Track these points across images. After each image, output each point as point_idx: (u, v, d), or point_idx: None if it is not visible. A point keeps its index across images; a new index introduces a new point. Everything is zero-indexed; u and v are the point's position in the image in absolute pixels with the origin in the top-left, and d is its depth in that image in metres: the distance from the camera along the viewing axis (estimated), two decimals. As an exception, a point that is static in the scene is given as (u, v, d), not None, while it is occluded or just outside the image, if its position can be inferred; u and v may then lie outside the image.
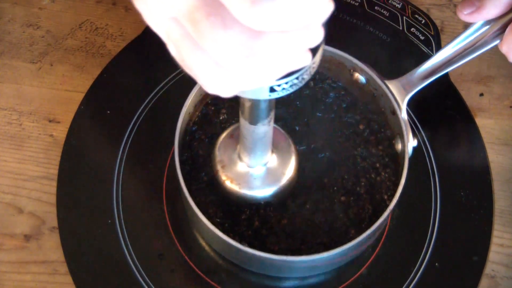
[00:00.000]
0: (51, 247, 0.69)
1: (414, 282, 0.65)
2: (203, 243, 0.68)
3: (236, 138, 0.60)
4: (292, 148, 0.61)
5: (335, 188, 0.63)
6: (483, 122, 0.74)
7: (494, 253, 0.67)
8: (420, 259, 0.66)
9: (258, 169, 0.59)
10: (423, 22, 0.80)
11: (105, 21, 0.85)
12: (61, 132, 0.76)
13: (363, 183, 0.63)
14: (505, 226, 0.69)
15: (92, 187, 0.71)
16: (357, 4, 0.82)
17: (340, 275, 0.66)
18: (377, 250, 0.66)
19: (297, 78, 0.40)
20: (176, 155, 0.60)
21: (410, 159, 0.60)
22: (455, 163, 0.71)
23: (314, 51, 0.38)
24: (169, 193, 0.70)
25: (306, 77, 0.41)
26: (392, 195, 0.58)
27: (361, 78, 0.65)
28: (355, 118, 0.66)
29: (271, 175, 0.60)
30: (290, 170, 0.60)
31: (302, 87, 0.65)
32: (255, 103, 0.48)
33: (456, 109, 0.73)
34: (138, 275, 0.66)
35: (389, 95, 0.62)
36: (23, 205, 0.72)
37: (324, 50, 0.62)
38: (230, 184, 0.60)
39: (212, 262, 0.67)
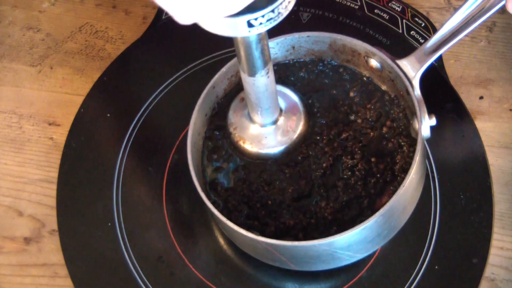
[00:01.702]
0: (51, 250, 0.69)
1: (414, 284, 0.65)
2: (203, 246, 0.68)
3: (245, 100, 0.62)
4: (301, 107, 0.63)
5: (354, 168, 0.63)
6: (482, 125, 0.74)
7: (494, 256, 0.67)
8: (420, 261, 0.66)
9: (268, 128, 0.61)
10: (423, 25, 0.81)
11: (105, 24, 0.85)
12: (61, 135, 0.76)
13: (382, 164, 0.62)
14: (505, 229, 0.69)
15: (92, 190, 0.71)
16: (357, 7, 0.82)
17: (340, 278, 0.66)
18: (377, 253, 0.66)
19: (272, 11, 0.41)
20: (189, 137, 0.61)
21: (428, 139, 0.59)
22: (455, 166, 0.71)
23: None
24: (169, 196, 0.70)
25: (283, 11, 0.42)
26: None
27: (376, 63, 0.64)
28: (376, 104, 0.65)
29: (281, 132, 0.61)
30: (300, 126, 0.62)
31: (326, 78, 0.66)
32: (247, 47, 0.49)
33: (455, 112, 0.73)
34: (138, 278, 0.66)
35: (401, 74, 0.61)
36: (23, 208, 0.72)
37: (334, 38, 0.63)
38: (243, 145, 0.62)
39: (211, 265, 0.67)
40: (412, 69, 0.61)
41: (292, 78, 0.67)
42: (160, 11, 0.83)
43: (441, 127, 0.71)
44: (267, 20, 0.42)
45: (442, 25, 0.61)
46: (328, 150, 0.63)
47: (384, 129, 0.63)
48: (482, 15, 0.60)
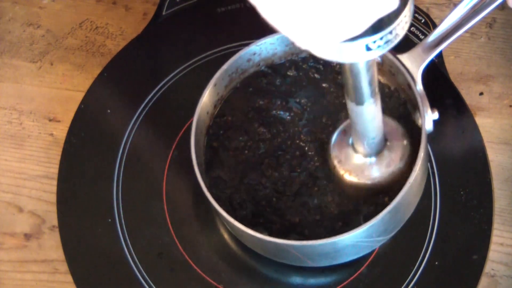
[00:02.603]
0: (51, 246, 0.69)
1: (414, 281, 0.65)
2: (203, 242, 0.68)
3: (348, 133, 0.61)
4: (405, 138, 0.61)
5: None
6: (482, 121, 0.74)
7: (494, 252, 0.67)
8: (420, 258, 0.66)
9: (372, 159, 0.60)
10: (423, 21, 0.80)
11: (105, 20, 0.85)
12: (61, 131, 0.76)
13: None
14: (505, 225, 0.69)
15: (92, 186, 0.71)
16: (357, 3, 0.82)
17: (340, 274, 0.66)
18: (376, 249, 0.66)
19: (390, 32, 0.40)
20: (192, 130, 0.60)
21: (431, 133, 0.59)
22: (454, 162, 0.71)
23: (403, 0, 0.39)
24: (169, 192, 0.70)
25: (400, 32, 0.41)
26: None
27: (376, 58, 0.64)
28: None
29: (385, 163, 0.60)
30: (403, 157, 0.61)
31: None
32: (356, 75, 0.47)
33: (455, 108, 0.73)
34: (138, 274, 0.66)
35: (402, 69, 0.61)
36: (23, 204, 0.72)
37: None
38: (349, 176, 0.61)
39: (211, 261, 0.67)
40: (414, 63, 0.61)
41: (290, 74, 0.67)
42: (160, 7, 0.82)
43: (441, 124, 0.71)
44: (385, 43, 0.40)
45: (443, 19, 0.61)
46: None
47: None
48: (483, 10, 0.60)
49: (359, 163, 0.61)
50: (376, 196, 0.61)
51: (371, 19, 0.36)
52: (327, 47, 0.40)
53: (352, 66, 0.47)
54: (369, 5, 0.34)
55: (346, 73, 0.48)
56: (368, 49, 0.40)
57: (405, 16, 0.40)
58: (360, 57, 0.41)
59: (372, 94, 0.50)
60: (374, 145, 0.58)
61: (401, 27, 0.40)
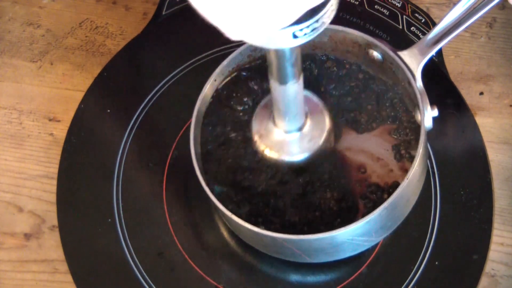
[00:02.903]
0: (51, 246, 0.69)
1: (414, 280, 0.65)
2: (203, 242, 0.68)
3: (270, 107, 0.60)
4: (325, 111, 0.62)
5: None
6: (483, 121, 0.74)
7: (494, 252, 0.67)
8: (420, 257, 0.66)
9: (293, 135, 0.60)
10: (423, 21, 0.80)
11: (105, 20, 0.85)
12: (61, 131, 0.76)
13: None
14: (505, 224, 0.69)
15: (92, 185, 0.71)
16: (357, 2, 0.82)
17: (340, 274, 0.66)
18: (377, 249, 0.66)
19: (317, 21, 0.41)
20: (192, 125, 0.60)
21: (431, 130, 0.59)
22: (455, 162, 0.71)
23: None
24: (169, 192, 0.70)
25: (326, 20, 0.42)
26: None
27: (377, 55, 0.64)
28: (380, 97, 0.65)
29: (307, 139, 0.60)
30: (325, 133, 0.61)
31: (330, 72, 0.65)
32: (281, 57, 0.48)
33: (456, 107, 0.73)
34: (138, 274, 0.66)
35: (402, 65, 0.61)
36: (23, 204, 0.72)
37: (333, 30, 0.63)
38: (269, 152, 0.61)
39: (211, 261, 0.67)
40: (414, 60, 0.61)
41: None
42: (160, 7, 0.82)
43: (442, 123, 0.71)
44: (311, 30, 0.42)
45: (443, 17, 0.61)
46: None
47: (385, 118, 0.64)
48: (483, 8, 0.60)
49: (279, 139, 0.61)
50: (375, 193, 0.61)
51: (301, 10, 0.37)
52: (257, 35, 0.42)
53: (277, 50, 0.48)
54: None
55: (271, 55, 0.49)
56: (295, 36, 0.41)
57: (331, 5, 0.41)
58: (287, 44, 0.42)
59: (296, 75, 0.51)
60: (295, 121, 0.59)
61: (327, 15, 0.42)
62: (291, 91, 0.53)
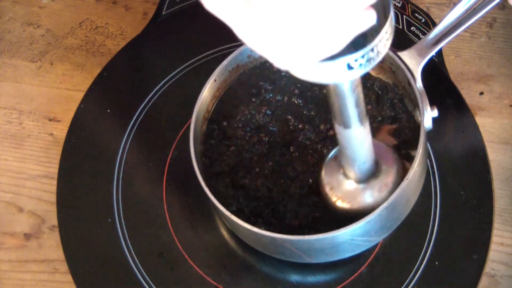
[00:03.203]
0: (51, 246, 0.69)
1: (414, 280, 0.65)
2: (203, 242, 0.68)
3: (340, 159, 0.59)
4: (397, 161, 0.60)
5: None
6: (483, 121, 0.74)
7: (494, 252, 0.67)
8: (420, 257, 0.66)
9: (364, 185, 0.58)
10: (423, 21, 0.80)
11: (105, 20, 0.85)
12: (61, 131, 0.76)
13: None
14: (505, 225, 0.69)
15: (92, 186, 0.71)
16: (357, 3, 0.82)
17: (340, 274, 0.66)
18: (377, 249, 0.66)
19: (372, 50, 0.39)
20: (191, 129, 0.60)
21: (431, 130, 0.59)
22: (455, 162, 0.71)
23: (382, 17, 0.38)
24: (169, 192, 0.70)
25: (382, 49, 0.40)
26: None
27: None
28: (378, 96, 0.65)
29: (378, 189, 0.58)
30: (396, 179, 0.59)
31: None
32: (341, 96, 0.46)
33: (456, 107, 0.73)
34: (138, 274, 0.66)
35: (402, 66, 0.61)
36: (23, 204, 0.72)
37: None
38: (341, 203, 0.59)
39: (212, 261, 0.67)
40: (414, 61, 0.61)
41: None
42: (160, 7, 0.82)
43: (442, 123, 0.71)
44: (367, 61, 0.39)
45: (443, 17, 0.61)
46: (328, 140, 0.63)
47: (386, 118, 0.64)
48: (483, 8, 0.60)
49: (351, 189, 0.59)
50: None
51: (348, 36, 0.35)
52: (307, 68, 0.39)
53: (336, 87, 0.45)
54: (346, 22, 0.34)
55: (331, 94, 0.46)
56: (350, 68, 0.39)
57: (386, 32, 0.39)
58: (342, 77, 0.39)
59: (360, 117, 0.48)
60: (364, 170, 0.57)
61: (382, 44, 0.39)
62: (356, 135, 0.51)
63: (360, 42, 0.38)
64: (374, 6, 0.35)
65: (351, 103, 0.46)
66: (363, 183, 0.58)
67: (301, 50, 0.35)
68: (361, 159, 0.55)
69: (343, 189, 0.59)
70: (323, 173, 0.61)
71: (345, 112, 0.47)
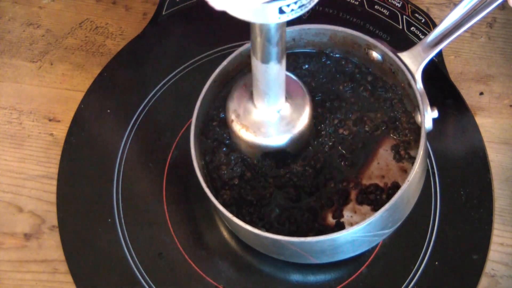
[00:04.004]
0: (51, 246, 0.69)
1: (414, 280, 0.65)
2: (203, 242, 0.68)
3: (249, 87, 0.59)
4: (307, 96, 0.60)
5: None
6: (483, 121, 0.74)
7: (494, 252, 0.67)
8: (420, 257, 0.66)
9: (272, 116, 0.59)
10: (423, 21, 0.80)
11: (105, 20, 0.85)
12: (61, 131, 0.76)
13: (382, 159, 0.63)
14: (505, 225, 0.69)
15: (92, 186, 0.71)
16: (357, 3, 0.82)
17: (340, 274, 0.66)
18: (377, 249, 0.66)
19: None
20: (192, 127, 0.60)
21: (431, 130, 0.59)
22: (455, 162, 0.71)
23: None
24: (169, 192, 0.70)
25: None
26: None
27: (376, 55, 0.64)
28: (378, 97, 0.65)
29: (285, 122, 0.59)
30: (304, 117, 0.59)
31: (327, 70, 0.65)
32: (265, 34, 0.47)
33: (456, 107, 0.73)
34: (138, 274, 0.66)
35: (403, 67, 0.61)
36: (23, 204, 0.72)
37: (333, 30, 0.63)
38: (245, 133, 0.59)
39: (211, 261, 0.67)
40: (414, 62, 0.61)
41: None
42: (160, 7, 0.82)
43: (442, 123, 0.71)
44: (299, 7, 0.41)
45: (443, 18, 0.61)
46: (328, 141, 0.63)
47: (384, 118, 0.64)
48: (484, 9, 0.60)
49: (258, 119, 0.59)
50: (374, 193, 0.61)
51: None
52: (242, 8, 0.41)
53: (262, 26, 0.47)
54: None
55: (256, 31, 0.48)
56: (281, 12, 0.40)
57: None
58: (273, 19, 0.41)
59: (279, 54, 0.50)
60: (275, 101, 0.57)
61: None
62: (272, 71, 0.52)
63: None
64: None
65: (274, 41, 0.48)
66: (271, 114, 0.58)
67: None
68: (272, 92, 0.56)
69: (249, 118, 0.59)
70: (230, 100, 0.61)
71: (266, 49, 0.49)
